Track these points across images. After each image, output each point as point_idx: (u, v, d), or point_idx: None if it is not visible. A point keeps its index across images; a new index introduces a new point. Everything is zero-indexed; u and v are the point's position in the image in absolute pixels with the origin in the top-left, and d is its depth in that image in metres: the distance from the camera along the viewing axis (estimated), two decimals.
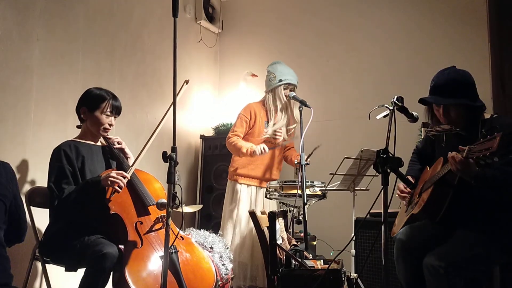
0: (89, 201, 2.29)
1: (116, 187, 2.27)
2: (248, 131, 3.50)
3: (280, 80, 3.42)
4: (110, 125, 2.55)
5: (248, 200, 3.46)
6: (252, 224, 3.35)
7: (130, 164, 2.55)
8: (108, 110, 2.51)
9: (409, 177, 2.53)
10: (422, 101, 2.27)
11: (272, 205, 3.53)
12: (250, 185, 3.48)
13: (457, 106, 2.19)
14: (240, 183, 3.47)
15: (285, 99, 3.45)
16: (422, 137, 3.33)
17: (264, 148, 3.28)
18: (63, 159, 2.39)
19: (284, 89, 3.45)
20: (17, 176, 2.85)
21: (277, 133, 3.48)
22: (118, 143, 2.64)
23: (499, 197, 2.14)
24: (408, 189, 2.47)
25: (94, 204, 2.30)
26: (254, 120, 3.48)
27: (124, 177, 2.31)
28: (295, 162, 3.17)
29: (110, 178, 2.27)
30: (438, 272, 2.05)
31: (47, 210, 2.49)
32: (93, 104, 2.50)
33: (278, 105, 3.46)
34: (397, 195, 2.48)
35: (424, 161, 2.58)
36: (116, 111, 2.56)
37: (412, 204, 2.41)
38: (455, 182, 2.13)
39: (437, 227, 2.30)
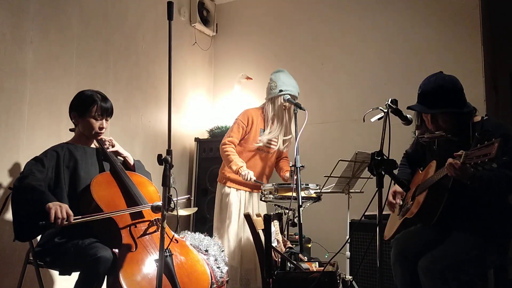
0: (26, 206, 2.17)
1: (57, 222, 2.07)
2: (244, 137, 3.49)
3: (281, 90, 3.37)
4: (102, 128, 2.52)
5: (237, 203, 3.44)
6: (242, 227, 3.35)
7: (119, 164, 2.53)
8: (98, 113, 2.48)
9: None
10: (410, 108, 2.28)
11: (262, 209, 3.52)
12: (239, 190, 3.48)
13: (443, 114, 2.19)
14: (229, 187, 3.46)
15: (283, 108, 3.41)
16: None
17: (250, 178, 3.26)
18: (47, 155, 2.39)
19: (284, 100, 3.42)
20: (10, 179, 2.83)
21: (272, 143, 3.47)
22: (112, 146, 2.62)
23: (492, 198, 2.15)
24: (397, 200, 2.47)
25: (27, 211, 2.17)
26: (250, 126, 3.45)
27: (67, 220, 2.10)
28: (290, 165, 3.16)
29: (56, 211, 2.07)
30: (433, 275, 2.05)
31: None
32: (82, 109, 2.48)
33: (276, 115, 3.43)
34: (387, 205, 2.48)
35: (414, 165, 2.59)
36: (107, 113, 2.53)
37: (405, 208, 2.41)
38: (449, 185, 2.14)
39: (433, 231, 2.30)
